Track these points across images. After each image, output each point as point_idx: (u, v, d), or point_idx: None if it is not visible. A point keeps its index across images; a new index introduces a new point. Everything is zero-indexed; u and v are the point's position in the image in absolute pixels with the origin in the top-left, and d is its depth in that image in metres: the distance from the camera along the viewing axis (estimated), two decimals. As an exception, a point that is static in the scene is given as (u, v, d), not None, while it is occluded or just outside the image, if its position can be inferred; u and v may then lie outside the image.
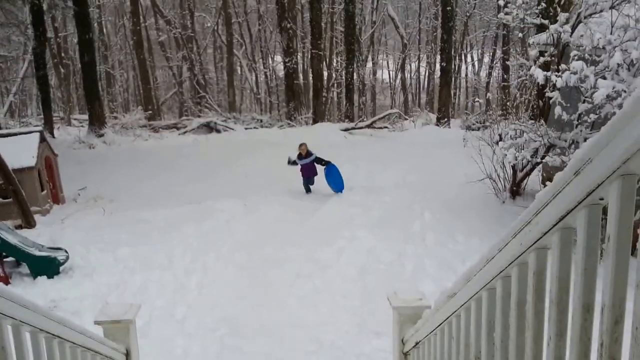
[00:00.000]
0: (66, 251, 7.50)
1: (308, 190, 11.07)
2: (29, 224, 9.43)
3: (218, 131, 20.70)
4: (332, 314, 6.00)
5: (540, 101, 10.72)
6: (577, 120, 7.22)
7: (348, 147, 16.07)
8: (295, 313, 5.97)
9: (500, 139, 9.20)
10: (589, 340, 1.28)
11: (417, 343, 2.79)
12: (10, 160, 9.41)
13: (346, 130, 19.28)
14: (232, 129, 20.74)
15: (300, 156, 10.92)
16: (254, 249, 7.86)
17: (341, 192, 10.73)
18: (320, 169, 11.05)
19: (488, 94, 26.35)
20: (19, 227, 9.10)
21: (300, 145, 11.07)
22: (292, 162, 11.15)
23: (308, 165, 10.96)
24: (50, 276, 7.06)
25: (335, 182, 10.87)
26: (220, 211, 9.64)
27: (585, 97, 6.81)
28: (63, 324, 2.18)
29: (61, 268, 7.21)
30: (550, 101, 7.82)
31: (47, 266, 7.15)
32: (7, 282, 7.05)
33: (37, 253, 7.25)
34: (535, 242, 1.38)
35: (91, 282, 6.81)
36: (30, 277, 7.10)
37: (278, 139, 17.45)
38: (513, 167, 9.47)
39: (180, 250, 7.73)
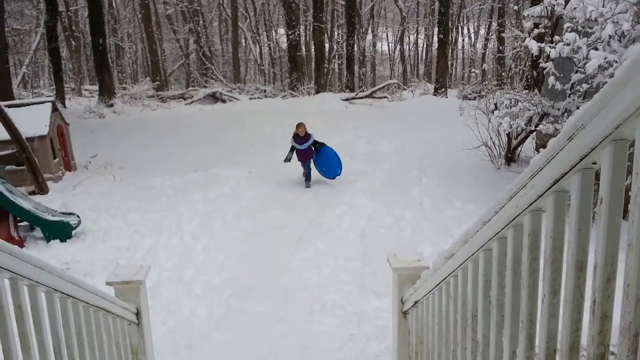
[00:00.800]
0: (78, 216, 7.66)
1: (308, 179, 9.50)
2: (42, 190, 9.60)
3: (223, 101, 20.98)
4: (334, 276, 6.14)
5: (534, 71, 11.00)
6: (570, 90, 7.47)
7: (349, 117, 16.24)
8: (299, 275, 6.12)
9: (496, 108, 9.55)
10: (582, 297, 1.34)
11: (415, 302, 2.88)
12: (24, 129, 9.59)
13: (347, 100, 19.56)
14: (237, 99, 20.99)
15: (297, 138, 9.25)
16: (259, 215, 8.01)
17: (333, 178, 9.55)
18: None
19: (484, 65, 26.63)
20: (32, 193, 9.29)
21: (298, 125, 9.30)
22: (288, 158, 9.42)
23: (306, 149, 9.36)
24: (63, 240, 7.24)
25: (329, 166, 9.49)
26: (226, 178, 9.80)
27: (578, 68, 7.04)
28: (76, 285, 2.26)
29: (73, 232, 7.38)
30: (544, 71, 8.04)
31: (60, 230, 7.32)
32: (21, 245, 7.21)
33: (51, 218, 7.41)
34: (531, 204, 1.42)
35: (102, 245, 6.99)
36: (44, 240, 7.27)
37: (281, 109, 17.58)
38: (508, 135, 9.78)
39: (187, 216, 7.90)
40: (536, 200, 1.39)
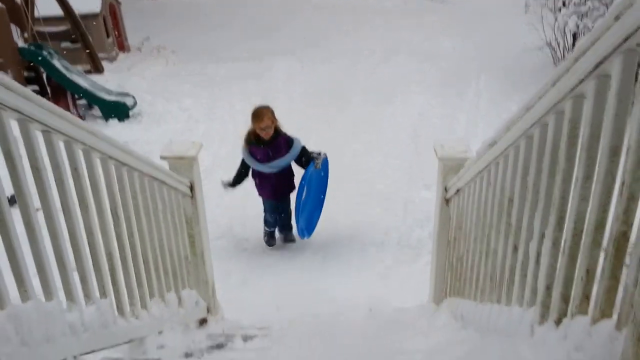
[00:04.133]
0: (134, 97, 7.97)
1: (272, 238, 4.99)
2: (97, 69, 9.88)
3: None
4: (383, 169, 6.29)
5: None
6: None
7: (405, 14, 15.35)
8: (350, 165, 6.29)
9: (564, 5, 8.72)
10: (613, 180, 1.37)
11: (457, 190, 2.96)
12: (76, 5, 9.64)
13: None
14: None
15: (255, 144, 4.44)
16: (311, 107, 8.10)
17: (306, 235, 4.79)
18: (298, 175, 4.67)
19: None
20: (88, 72, 9.58)
21: (258, 114, 4.35)
22: (230, 183, 4.82)
23: (272, 174, 4.53)
24: (121, 119, 7.62)
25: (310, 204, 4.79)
26: (279, 70, 9.78)
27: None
28: (130, 154, 2.40)
29: (130, 113, 7.72)
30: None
31: (117, 110, 7.68)
32: (81, 123, 7.66)
33: (108, 97, 7.75)
34: (572, 89, 1.42)
35: (158, 127, 7.36)
36: (103, 119, 7.68)
37: (339, 3, 16.76)
38: (574, 35, 9.14)
39: (241, 105, 8.08)
40: (578, 85, 1.39)
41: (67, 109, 7.66)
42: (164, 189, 2.88)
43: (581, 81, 1.37)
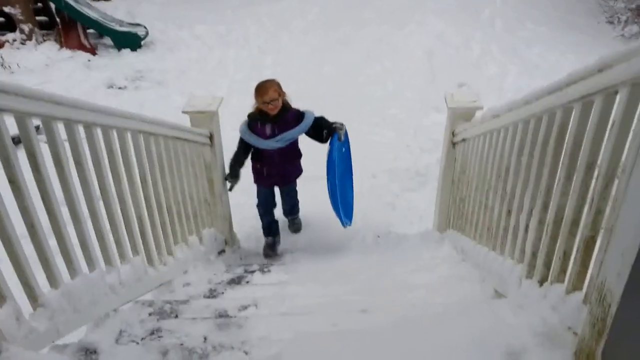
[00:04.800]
0: (145, 27, 7.90)
1: (269, 253, 4.08)
2: (105, -5, 9.64)
3: None
4: (397, 92, 6.39)
5: None
6: None
7: None
8: (365, 89, 6.40)
9: None
10: (586, 189, 1.61)
11: (464, 139, 3.19)
12: None
13: None
14: None
15: (260, 121, 3.58)
16: (326, 31, 7.98)
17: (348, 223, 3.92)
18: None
19: None
20: (96, -1, 9.38)
21: (263, 87, 3.48)
22: (232, 175, 3.80)
23: (277, 151, 3.68)
24: (133, 49, 7.64)
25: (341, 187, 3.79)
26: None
27: None
28: (156, 124, 2.67)
29: (142, 42, 7.71)
30: None
31: (129, 41, 7.67)
32: (94, 53, 7.71)
33: (119, 28, 7.72)
34: (562, 104, 1.63)
35: (172, 55, 7.40)
36: (115, 49, 7.71)
37: None
38: None
39: (254, 30, 7.98)
40: (567, 104, 1.59)
41: (79, 40, 7.65)
42: (186, 145, 3.16)
43: (570, 101, 1.57)
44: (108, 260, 2.24)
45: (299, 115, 3.63)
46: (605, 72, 1.35)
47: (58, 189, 1.85)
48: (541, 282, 1.95)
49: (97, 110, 2.08)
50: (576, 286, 1.68)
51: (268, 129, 3.56)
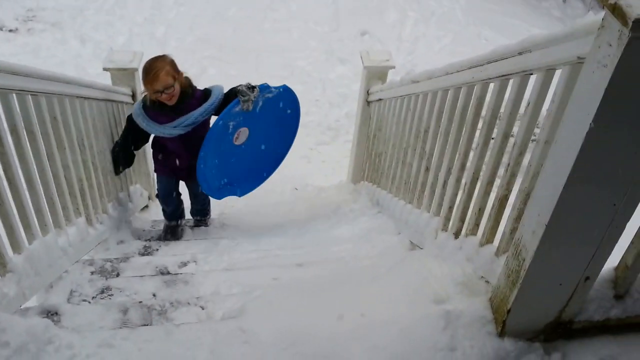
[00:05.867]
0: None
1: (168, 238, 3.30)
2: None
3: None
4: (303, 40, 6.41)
5: None
6: None
7: None
8: (271, 38, 6.34)
9: None
10: (501, 155, 1.85)
11: (380, 99, 3.37)
12: None
13: None
14: None
15: (158, 108, 2.79)
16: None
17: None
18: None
19: None
20: None
21: (151, 69, 2.64)
22: (116, 167, 3.13)
23: (181, 140, 2.91)
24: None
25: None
26: None
27: None
28: (89, 86, 2.63)
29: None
30: None
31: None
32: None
33: None
34: (482, 80, 1.82)
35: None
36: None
37: None
38: None
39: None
40: (485, 80, 1.79)
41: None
42: (113, 105, 3.17)
43: (489, 78, 1.77)
44: (57, 224, 2.28)
45: (205, 95, 2.83)
46: (524, 55, 1.54)
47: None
48: (456, 235, 2.21)
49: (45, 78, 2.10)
50: (489, 239, 1.94)
51: (166, 116, 2.78)
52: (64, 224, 2.33)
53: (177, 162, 3.06)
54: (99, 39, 6.02)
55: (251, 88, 2.78)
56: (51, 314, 1.86)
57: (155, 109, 2.77)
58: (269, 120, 3.07)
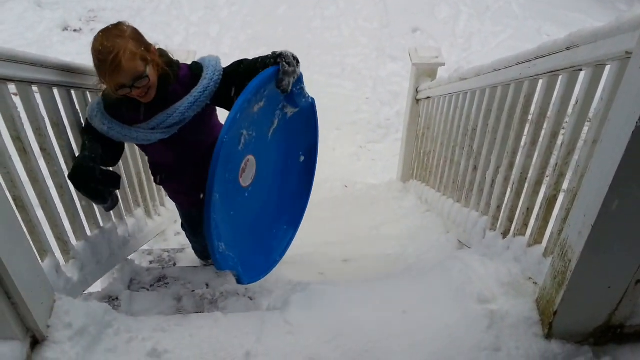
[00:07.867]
0: None
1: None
2: None
3: None
4: (353, 37, 6.42)
5: None
6: None
7: None
8: (321, 35, 6.39)
9: None
10: (550, 154, 1.81)
11: (428, 97, 3.35)
12: None
13: None
14: None
15: (134, 106, 1.79)
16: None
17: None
18: None
19: None
20: None
21: (112, 61, 1.58)
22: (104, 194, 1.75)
23: (173, 147, 1.91)
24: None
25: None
26: None
27: None
28: None
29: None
30: None
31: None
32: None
33: None
34: (530, 77, 1.79)
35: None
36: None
37: None
38: None
39: None
40: (534, 76, 1.75)
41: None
42: None
43: (537, 75, 1.73)
44: (118, 214, 2.38)
45: (194, 75, 1.86)
46: (572, 50, 1.51)
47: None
48: (504, 235, 2.17)
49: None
50: (537, 240, 1.91)
51: (141, 110, 1.81)
52: (124, 214, 2.44)
53: (179, 182, 2.10)
54: (157, 39, 6.12)
55: (297, 60, 1.81)
56: (112, 299, 1.98)
57: (122, 103, 1.77)
58: (280, 148, 2.02)
